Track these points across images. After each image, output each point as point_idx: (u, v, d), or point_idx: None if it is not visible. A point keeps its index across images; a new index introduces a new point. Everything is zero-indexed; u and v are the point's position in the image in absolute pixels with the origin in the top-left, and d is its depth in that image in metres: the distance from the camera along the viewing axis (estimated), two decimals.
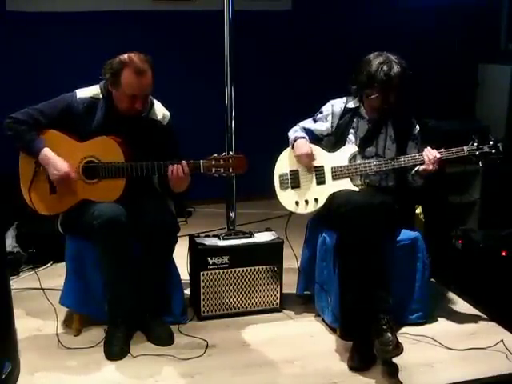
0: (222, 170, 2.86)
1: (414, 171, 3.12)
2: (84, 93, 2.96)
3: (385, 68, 2.99)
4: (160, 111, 3.07)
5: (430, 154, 2.99)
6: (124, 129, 2.92)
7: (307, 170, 3.19)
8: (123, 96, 2.87)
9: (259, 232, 3.40)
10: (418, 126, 3.22)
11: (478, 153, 3.00)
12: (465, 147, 3.00)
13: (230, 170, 2.87)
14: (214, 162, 2.85)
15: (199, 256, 3.21)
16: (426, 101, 4.44)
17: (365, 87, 3.08)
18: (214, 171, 2.86)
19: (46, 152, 2.87)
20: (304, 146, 3.18)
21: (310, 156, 3.16)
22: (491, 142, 3.00)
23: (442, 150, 3.02)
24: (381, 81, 2.99)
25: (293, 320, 3.27)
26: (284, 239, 3.32)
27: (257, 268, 3.26)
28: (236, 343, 3.03)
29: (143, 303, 3.01)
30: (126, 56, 2.85)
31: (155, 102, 3.06)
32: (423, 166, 3.02)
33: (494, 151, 2.99)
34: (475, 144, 3.00)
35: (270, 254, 3.28)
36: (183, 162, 2.85)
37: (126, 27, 4.56)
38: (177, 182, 2.90)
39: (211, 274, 3.21)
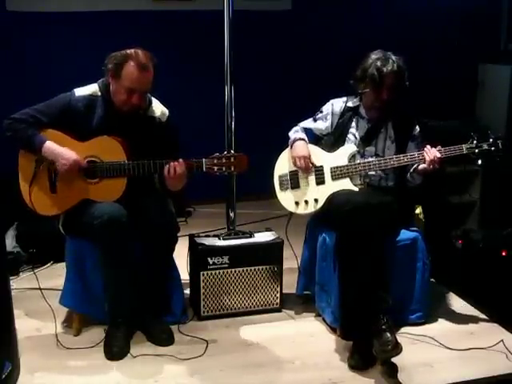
0: (223, 169, 2.86)
1: (412, 169, 3.12)
2: (82, 91, 2.96)
3: (378, 64, 3.00)
4: (158, 108, 3.06)
5: (431, 153, 2.97)
6: (124, 127, 2.91)
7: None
8: (121, 88, 2.86)
9: (259, 232, 3.39)
10: (418, 127, 3.21)
11: (477, 151, 2.97)
12: (464, 145, 2.98)
13: (232, 169, 2.87)
14: (216, 161, 2.85)
15: (199, 256, 3.21)
16: (426, 101, 4.43)
17: (358, 81, 3.09)
18: (216, 170, 2.86)
19: (49, 144, 2.86)
20: (302, 148, 3.18)
21: (307, 159, 3.15)
22: (491, 140, 2.97)
23: (441, 148, 3.00)
24: (371, 76, 3.00)
25: (293, 320, 3.27)
26: (284, 239, 3.33)
27: (257, 268, 3.26)
28: (236, 343, 3.03)
29: (143, 303, 3.01)
30: (132, 50, 2.86)
31: (153, 99, 3.06)
32: (423, 165, 3.01)
33: (493, 148, 2.97)
34: (474, 142, 2.98)
35: (270, 254, 3.28)
36: (180, 160, 2.84)
37: (126, 27, 4.56)
38: (173, 181, 2.88)
39: (211, 273, 3.21)
